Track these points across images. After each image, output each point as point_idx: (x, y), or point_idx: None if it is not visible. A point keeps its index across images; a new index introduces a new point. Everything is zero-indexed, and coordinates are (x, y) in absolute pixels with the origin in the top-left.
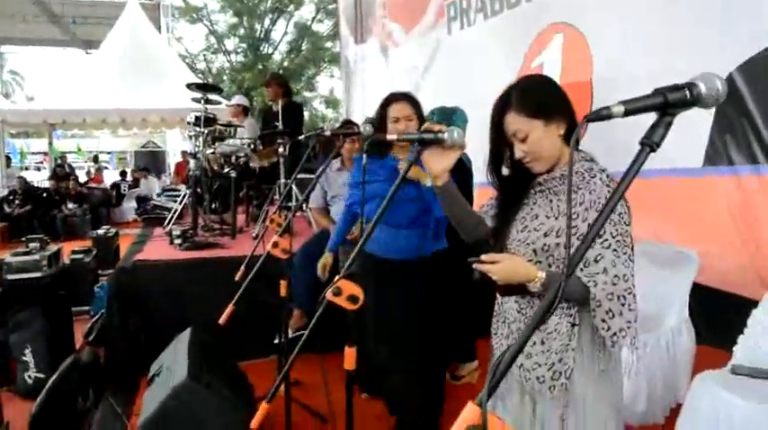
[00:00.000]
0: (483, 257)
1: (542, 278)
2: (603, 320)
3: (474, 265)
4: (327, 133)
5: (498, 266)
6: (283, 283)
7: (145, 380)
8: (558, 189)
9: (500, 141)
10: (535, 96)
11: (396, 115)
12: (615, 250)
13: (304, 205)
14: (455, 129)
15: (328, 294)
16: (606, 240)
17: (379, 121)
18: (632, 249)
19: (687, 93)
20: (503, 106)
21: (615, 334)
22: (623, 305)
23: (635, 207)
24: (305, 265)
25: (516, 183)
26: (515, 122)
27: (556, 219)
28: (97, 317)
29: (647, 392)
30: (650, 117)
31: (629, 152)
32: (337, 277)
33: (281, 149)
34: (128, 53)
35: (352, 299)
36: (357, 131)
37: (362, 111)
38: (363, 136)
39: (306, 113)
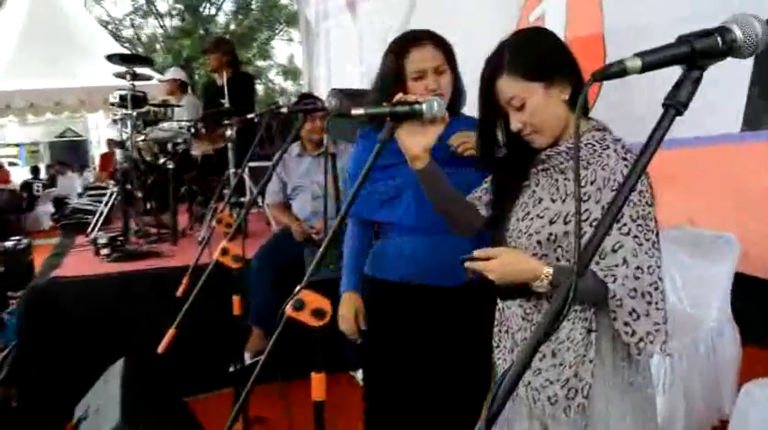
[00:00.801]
0: (476, 253)
1: (549, 275)
2: (626, 323)
3: (466, 264)
4: (284, 110)
5: (495, 263)
6: (236, 298)
7: (69, 427)
8: (564, 166)
9: (492, 112)
10: (532, 54)
11: (419, 67)
12: (636, 236)
13: (259, 200)
14: (435, 100)
15: (288, 309)
16: (625, 225)
17: (394, 80)
18: (657, 235)
19: (719, 39)
20: (493, 69)
21: (641, 339)
22: (650, 303)
23: (659, 184)
24: (263, 274)
25: (514, 162)
26: (510, 87)
27: (563, 202)
28: (7, 350)
29: (685, 408)
30: (675, 74)
31: (653, 122)
32: (299, 287)
33: (228, 132)
34: (33, 19)
35: (318, 313)
36: (320, 107)
37: (327, 81)
38: (329, 111)
39: (259, 87)
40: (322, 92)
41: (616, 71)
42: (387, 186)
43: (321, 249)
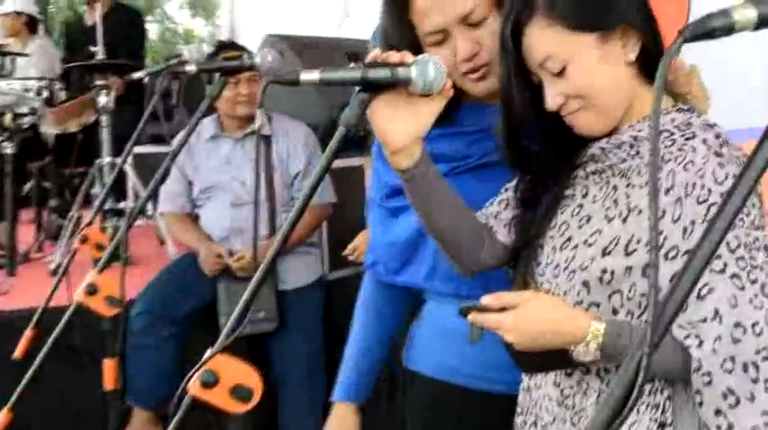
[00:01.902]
0: (484, 300)
1: (600, 335)
2: (719, 412)
3: (469, 318)
4: (191, 69)
5: (514, 317)
6: (110, 363)
7: None
8: (626, 166)
9: (518, 80)
10: None
11: (435, 21)
12: (736, 276)
13: (149, 207)
14: (429, 60)
15: (193, 385)
16: (719, 257)
17: (400, 33)
18: None
19: None
20: (520, 13)
21: None
22: (755, 381)
23: None
24: (152, 326)
25: (550, 159)
26: (544, 40)
27: (624, 221)
28: None
29: None
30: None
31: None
32: (210, 351)
33: (102, 99)
34: None
35: (240, 393)
36: (248, 65)
37: (259, 19)
38: (263, 72)
39: (152, 27)
40: (251, 35)
41: (718, 26)
42: (407, 221)
43: (249, 288)
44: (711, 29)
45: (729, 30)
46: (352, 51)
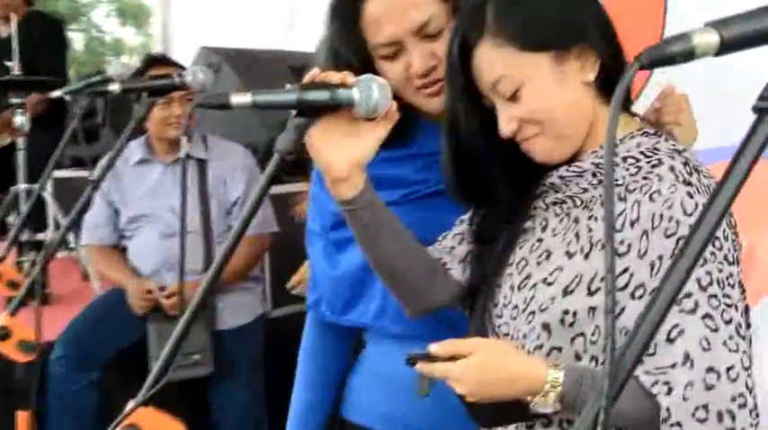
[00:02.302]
0: (432, 348)
1: (558, 384)
2: None
3: (417, 367)
4: (114, 88)
5: (464, 366)
6: (23, 416)
7: None
8: (587, 196)
9: (466, 103)
10: (533, 4)
11: (388, 33)
12: (709, 316)
13: (71, 238)
14: (373, 81)
15: None
16: (690, 296)
17: (351, 62)
18: (745, 312)
19: None
20: (469, 31)
21: None
22: None
23: (760, 215)
24: (74, 373)
25: (506, 190)
26: (496, 62)
27: (586, 257)
28: None
29: None
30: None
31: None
32: (133, 401)
33: (17, 120)
34: None
35: None
36: (178, 83)
37: (195, 29)
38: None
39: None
40: (186, 46)
41: (678, 51)
42: (354, 254)
43: (176, 331)
44: (670, 54)
45: (689, 55)
46: (296, 65)
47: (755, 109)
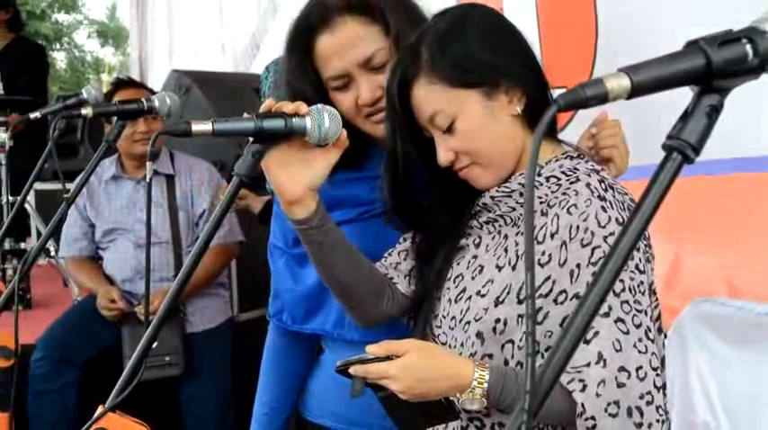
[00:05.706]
0: (370, 349)
1: (484, 381)
2: None
3: (351, 370)
4: (87, 112)
5: (398, 365)
6: (2, 417)
7: None
8: (515, 214)
9: (403, 137)
10: (463, 46)
11: (337, 66)
12: (621, 320)
13: (51, 248)
14: (324, 110)
15: None
16: (604, 301)
17: (304, 95)
18: (656, 318)
19: (748, 49)
20: (407, 69)
21: None
22: (640, 426)
23: (683, 229)
24: (55, 373)
25: (442, 212)
26: (432, 98)
27: (513, 268)
28: None
29: None
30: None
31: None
32: (101, 408)
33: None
34: None
35: None
36: (146, 108)
37: (169, 51)
38: (161, 116)
39: (60, 56)
40: (160, 67)
41: (592, 95)
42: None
43: (145, 335)
44: (585, 98)
45: (603, 99)
46: (260, 88)
47: (664, 146)
